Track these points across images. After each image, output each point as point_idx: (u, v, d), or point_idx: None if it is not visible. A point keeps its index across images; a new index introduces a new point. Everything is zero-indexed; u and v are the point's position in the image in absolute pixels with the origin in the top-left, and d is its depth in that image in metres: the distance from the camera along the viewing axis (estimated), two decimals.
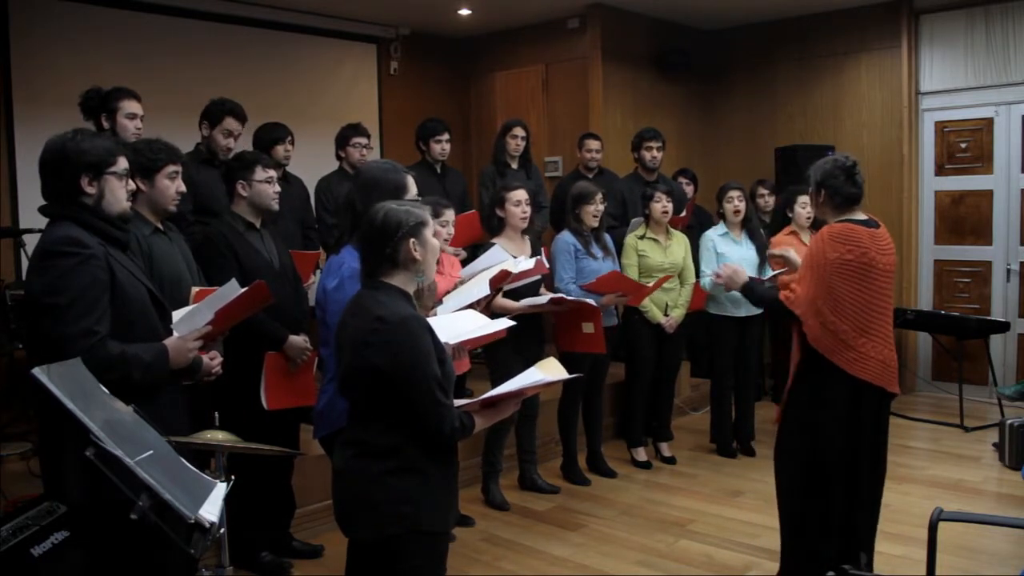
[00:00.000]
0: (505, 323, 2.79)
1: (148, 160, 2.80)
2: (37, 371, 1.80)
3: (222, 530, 2.15)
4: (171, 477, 1.83)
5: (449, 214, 3.88)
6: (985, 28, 6.18)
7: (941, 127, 6.48)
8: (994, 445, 5.13)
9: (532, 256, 4.02)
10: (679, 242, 4.93)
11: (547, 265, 4.22)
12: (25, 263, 4.42)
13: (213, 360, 2.55)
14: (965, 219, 6.42)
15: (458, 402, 2.22)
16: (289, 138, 4.43)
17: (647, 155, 5.41)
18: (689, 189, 6.18)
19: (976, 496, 4.43)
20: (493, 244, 4.06)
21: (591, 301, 4.24)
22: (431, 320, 2.35)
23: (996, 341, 6.15)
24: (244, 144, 4.07)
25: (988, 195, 6.29)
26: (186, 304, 2.73)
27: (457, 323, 2.77)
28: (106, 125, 3.50)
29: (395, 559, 2.16)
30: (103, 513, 2.10)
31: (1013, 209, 6.19)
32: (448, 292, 3.57)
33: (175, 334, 2.42)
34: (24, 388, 4.03)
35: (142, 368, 2.23)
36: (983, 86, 6.24)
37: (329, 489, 2.32)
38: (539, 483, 4.62)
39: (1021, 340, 6.21)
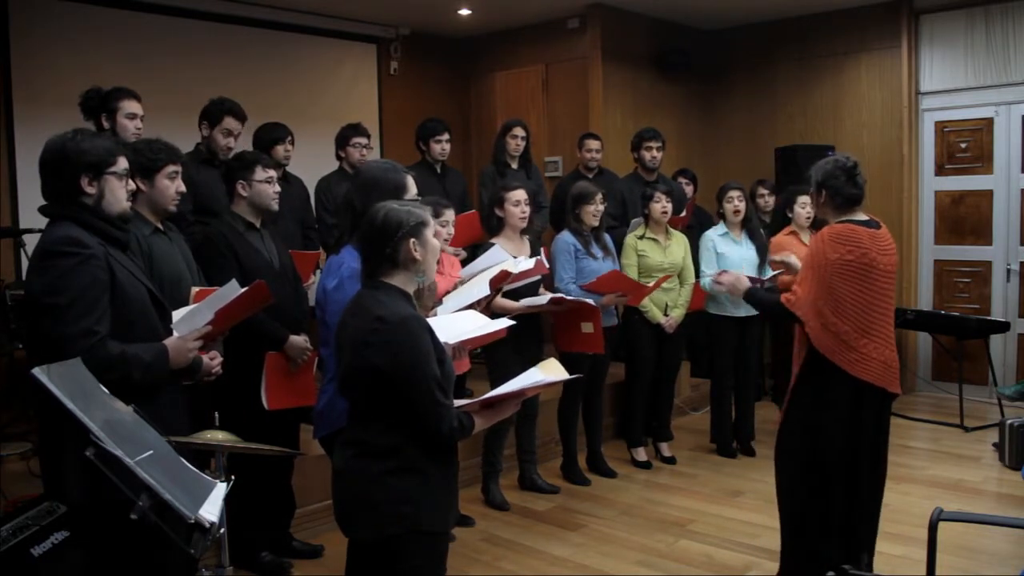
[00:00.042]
0: (505, 323, 2.79)
1: (148, 160, 2.80)
2: (37, 371, 1.80)
3: (222, 530, 2.15)
4: (171, 477, 1.83)
5: (449, 214, 3.89)
6: (985, 28, 6.18)
7: (941, 127, 6.48)
8: (994, 445, 5.13)
9: (532, 256, 4.02)
10: (679, 242, 4.93)
11: (547, 265, 4.21)
12: (25, 263, 4.42)
13: (213, 360, 2.55)
14: (965, 219, 6.42)
15: (458, 402, 2.22)
16: (289, 138, 4.43)
17: (647, 155, 5.41)
18: (689, 189, 6.18)
19: (976, 496, 4.43)
20: (493, 244, 4.06)
21: (591, 301, 4.24)
22: (431, 320, 2.35)
23: (996, 341, 6.15)
24: (244, 144, 4.07)
25: (988, 195, 6.29)
26: (186, 304, 2.73)
27: (457, 323, 2.77)
28: (106, 125, 3.50)
29: (395, 559, 2.16)
30: (103, 513, 2.09)
31: (1013, 209, 6.19)
32: (448, 292, 3.57)
33: (175, 334, 2.42)
34: (24, 388, 4.03)
35: (142, 368, 2.23)
36: (983, 86, 6.24)
37: (329, 489, 2.32)
38: (539, 483, 4.62)
39: (1021, 340, 6.21)
